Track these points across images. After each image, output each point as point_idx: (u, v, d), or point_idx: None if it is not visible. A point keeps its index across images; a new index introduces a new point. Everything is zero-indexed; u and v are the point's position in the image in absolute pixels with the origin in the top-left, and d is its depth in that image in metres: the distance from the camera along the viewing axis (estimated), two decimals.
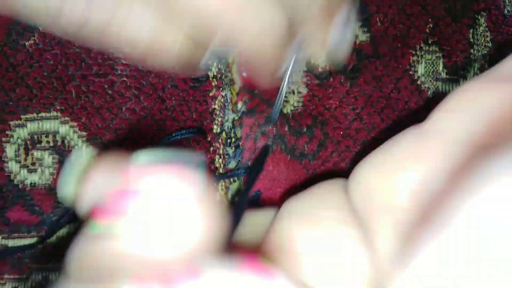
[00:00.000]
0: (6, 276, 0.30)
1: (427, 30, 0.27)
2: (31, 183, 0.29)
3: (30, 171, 0.29)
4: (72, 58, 0.28)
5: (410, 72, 0.27)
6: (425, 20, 0.27)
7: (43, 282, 0.30)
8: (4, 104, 0.28)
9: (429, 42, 0.27)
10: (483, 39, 0.27)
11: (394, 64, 0.27)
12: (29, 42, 0.28)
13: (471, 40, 0.27)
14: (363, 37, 0.28)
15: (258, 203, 0.29)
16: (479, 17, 0.27)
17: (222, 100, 0.28)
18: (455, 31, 0.27)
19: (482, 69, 0.27)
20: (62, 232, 0.30)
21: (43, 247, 0.30)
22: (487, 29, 0.27)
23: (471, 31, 0.27)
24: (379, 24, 0.27)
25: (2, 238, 0.30)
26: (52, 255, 0.30)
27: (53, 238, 0.30)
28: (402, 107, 0.28)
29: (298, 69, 0.27)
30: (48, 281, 0.30)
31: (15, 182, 0.29)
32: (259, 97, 0.28)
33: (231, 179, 0.29)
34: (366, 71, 0.28)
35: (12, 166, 0.29)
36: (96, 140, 0.28)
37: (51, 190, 0.29)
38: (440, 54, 0.27)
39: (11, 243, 0.30)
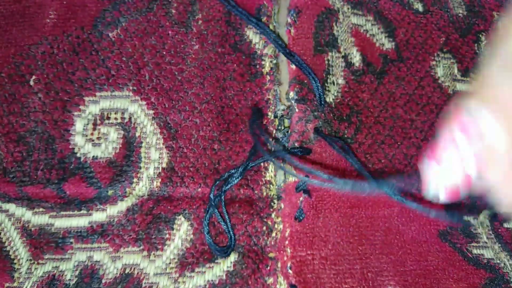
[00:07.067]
0: (47, 256, 0.30)
1: (441, 42, 0.34)
2: (93, 156, 0.30)
3: (95, 145, 0.30)
4: (148, 48, 0.32)
5: (431, 73, 0.33)
6: (438, 34, 0.34)
7: (87, 262, 0.29)
8: (83, 81, 0.31)
9: (444, 50, 0.34)
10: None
11: (418, 66, 0.33)
12: (113, 33, 0.32)
13: (477, 50, 0.34)
14: (389, 45, 0.34)
15: (307, 189, 0.31)
16: (480, 35, 0.35)
17: (274, 93, 0.32)
18: (462, 44, 0.34)
19: None
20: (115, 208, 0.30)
21: (91, 227, 0.30)
22: (488, 43, 0.34)
23: (475, 44, 0.34)
24: (402, 35, 0.34)
25: (49, 217, 0.30)
26: (100, 234, 0.30)
27: (103, 217, 0.30)
28: (425, 101, 0.32)
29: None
30: (92, 260, 0.29)
31: (78, 154, 0.30)
32: (307, 87, 0.32)
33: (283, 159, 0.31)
34: (390, 73, 0.33)
35: (79, 139, 0.30)
36: (161, 118, 0.31)
37: (111, 163, 0.30)
38: (454, 61, 0.34)
39: (57, 223, 0.30)
